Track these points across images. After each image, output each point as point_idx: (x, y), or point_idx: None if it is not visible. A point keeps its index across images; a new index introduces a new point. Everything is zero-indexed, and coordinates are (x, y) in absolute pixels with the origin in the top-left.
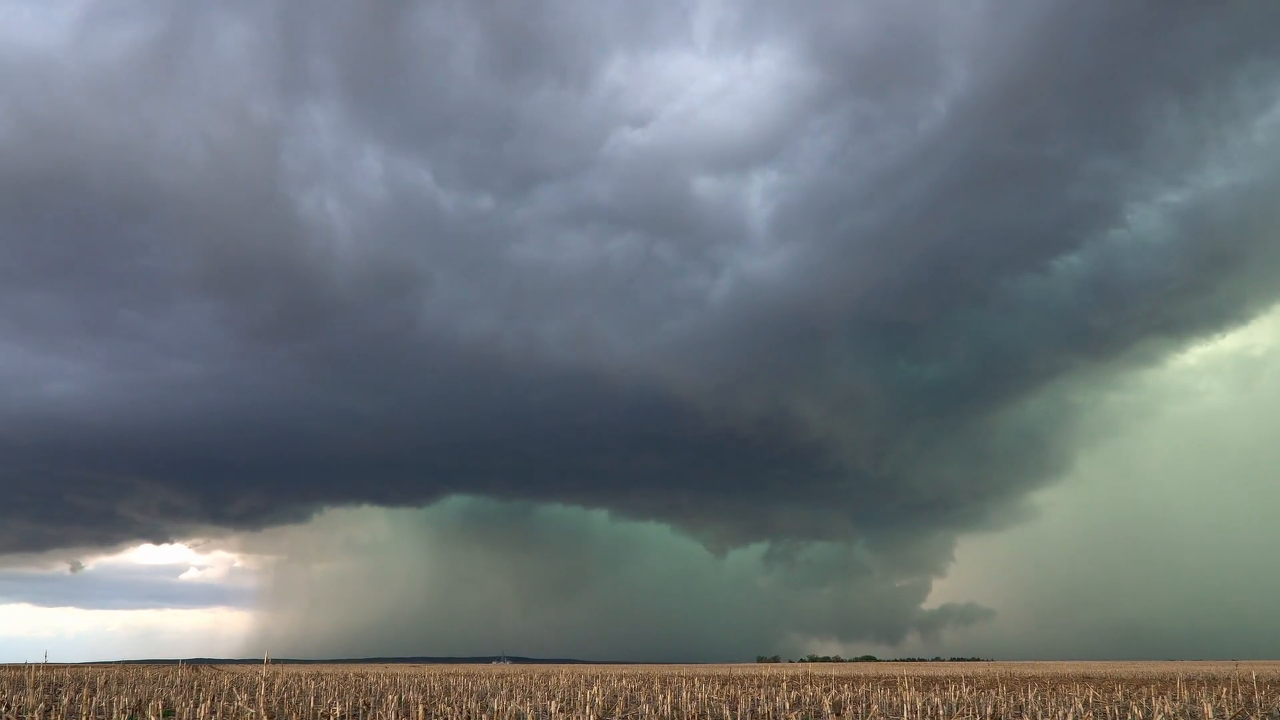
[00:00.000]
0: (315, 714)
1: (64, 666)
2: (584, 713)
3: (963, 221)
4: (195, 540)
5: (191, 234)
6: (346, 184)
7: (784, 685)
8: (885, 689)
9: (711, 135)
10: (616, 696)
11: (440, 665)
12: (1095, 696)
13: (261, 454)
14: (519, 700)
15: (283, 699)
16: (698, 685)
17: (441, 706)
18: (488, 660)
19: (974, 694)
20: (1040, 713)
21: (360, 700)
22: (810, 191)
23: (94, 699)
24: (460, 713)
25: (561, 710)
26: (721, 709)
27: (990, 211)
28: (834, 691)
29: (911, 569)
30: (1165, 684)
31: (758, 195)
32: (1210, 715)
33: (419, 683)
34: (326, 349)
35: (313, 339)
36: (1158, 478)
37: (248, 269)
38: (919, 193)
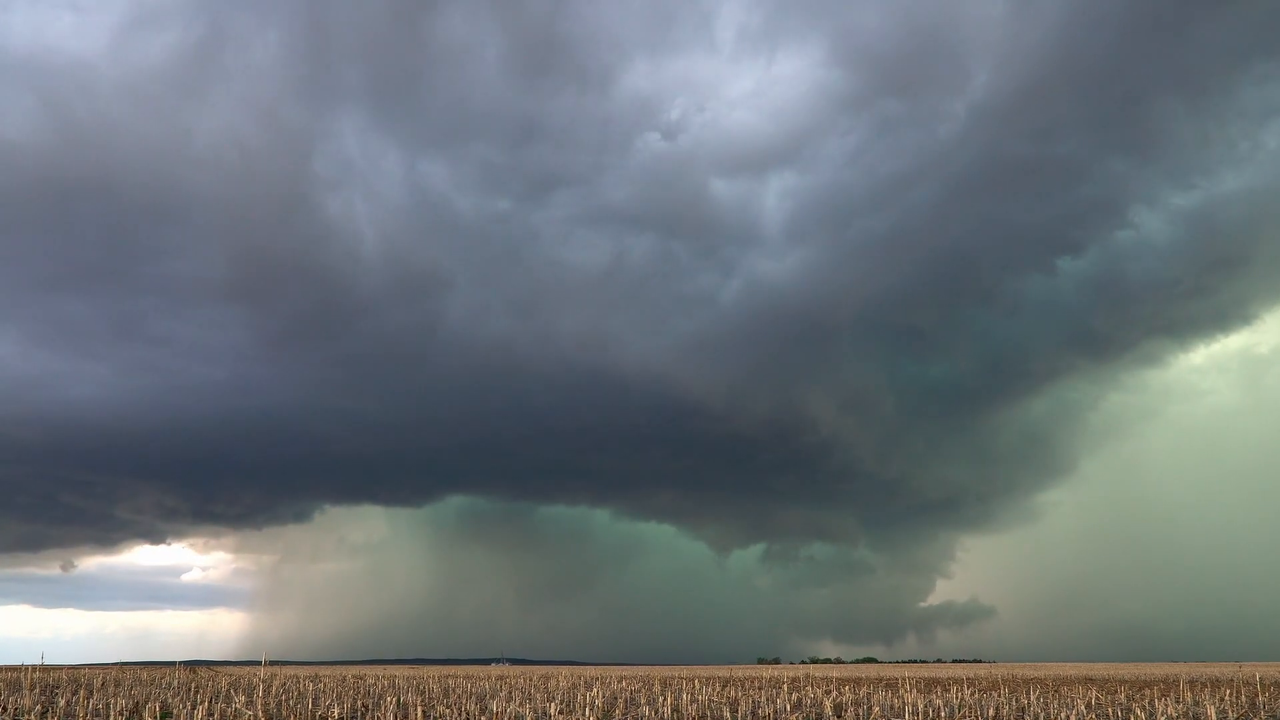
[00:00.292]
0: (313, 716)
1: (60, 668)
2: (583, 714)
3: (976, 223)
4: (195, 540)
5: (219, 238)
6: (369, 188)
7: (785, 687)
8: (887, 691)
9: (731, 138)
10: (616, 698)
11: (439, 667)
12: (1098, 698)
13: (263, 454)
14: (518, 702)
15: (281, 701)
16: (698, 687)
17: (440, 708)
18: (487, 662)
19: (976, 696)
20: (1042, 715)
21: (359, 702)
22: (826, 194)
23: (91, 701)
24: (459, 714)
25: (561, 712)
26: (722, 711)
27: (1003, 213)
28: (835, 693)
29: (915, 570)
30: (1168, 686)
31: (773, 197)
32: (1214, 717)
33: (418, 684)
34: (343, 351)
35: (331, 341)
36: (1161, 479)
37: (272, 273)
38: (933, 195)
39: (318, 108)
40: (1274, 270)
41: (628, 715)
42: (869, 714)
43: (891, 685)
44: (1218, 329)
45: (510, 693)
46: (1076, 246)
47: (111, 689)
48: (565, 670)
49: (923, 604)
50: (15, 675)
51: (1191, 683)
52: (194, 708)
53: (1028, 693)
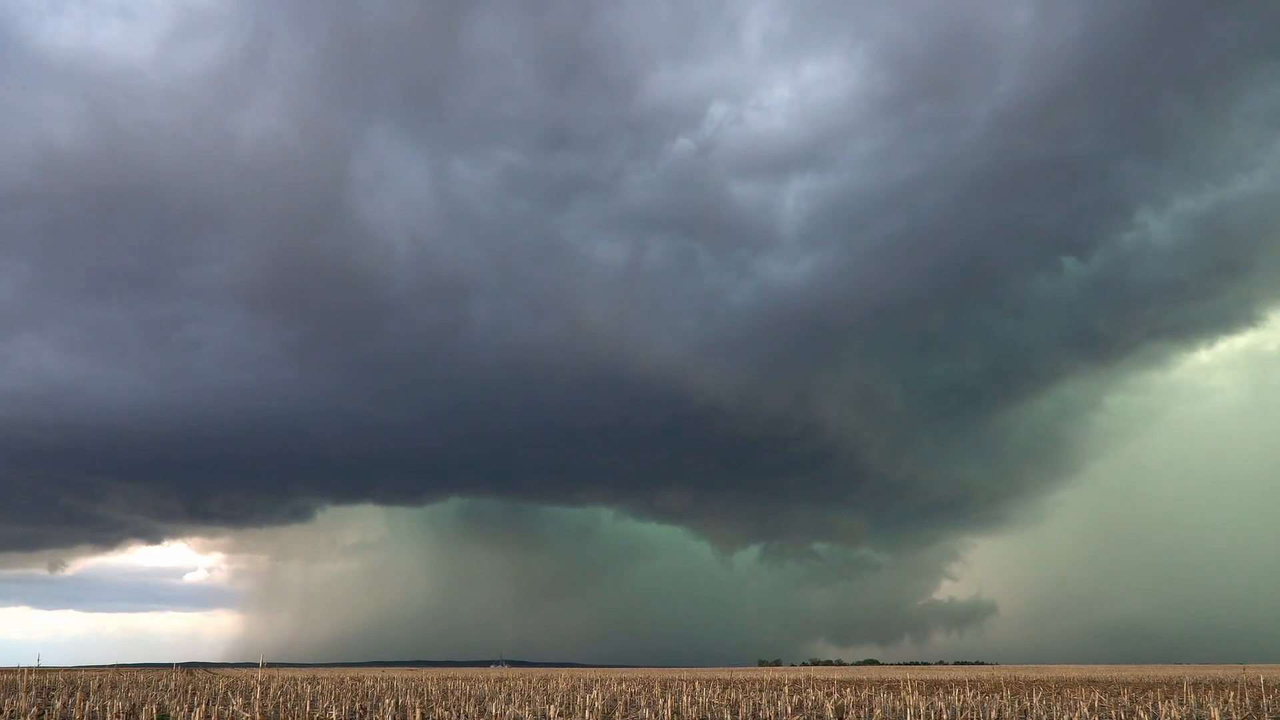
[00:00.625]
0: (311, 718)
1: (57, 670)
2: (583, 717)
3: (994, 225)
4: (193, 541)
5: (254, 243)
6: (398, 193)
7: (786, 689)
8: (888, 693)
9: (756, 143)
10: (616, 700)
11: (438, 669)
12: (1101, 701)
13: (265, 454)
14: (517, 704)
15: (278, 703)
16: (698, 689)
17: (439, 710)
18: (486, 664)
19: (978, 698)
20: (1045, 717)
21: (357, 704)
22: (843, 196)
23: (87, 703)
24: (458, 717)
25: (560, 714)
26: (723, 713)
27: (1019, 215)
28: (836, 696)
29: (919, 571)
30: (1172, 688)
31: (796, 200)
32: (1217, 719)
33: (416, 686)
34: (365, 354)
35: (354, 344)
36: (1166, 480)
37: (302, 277)
38: (953, 197)
39: (351, 114)
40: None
41: (627, 717)
42: (870, 716)
43: (893, 687)
44: (1224, 329)
45: (509, 695)
46: (1084, 247)
47: (108, 691)
48: (565, 672)
49: (927, 606)
50: (11, 677)
51: (1195, 685)
52: (191, 710)
53: (1030, 695)
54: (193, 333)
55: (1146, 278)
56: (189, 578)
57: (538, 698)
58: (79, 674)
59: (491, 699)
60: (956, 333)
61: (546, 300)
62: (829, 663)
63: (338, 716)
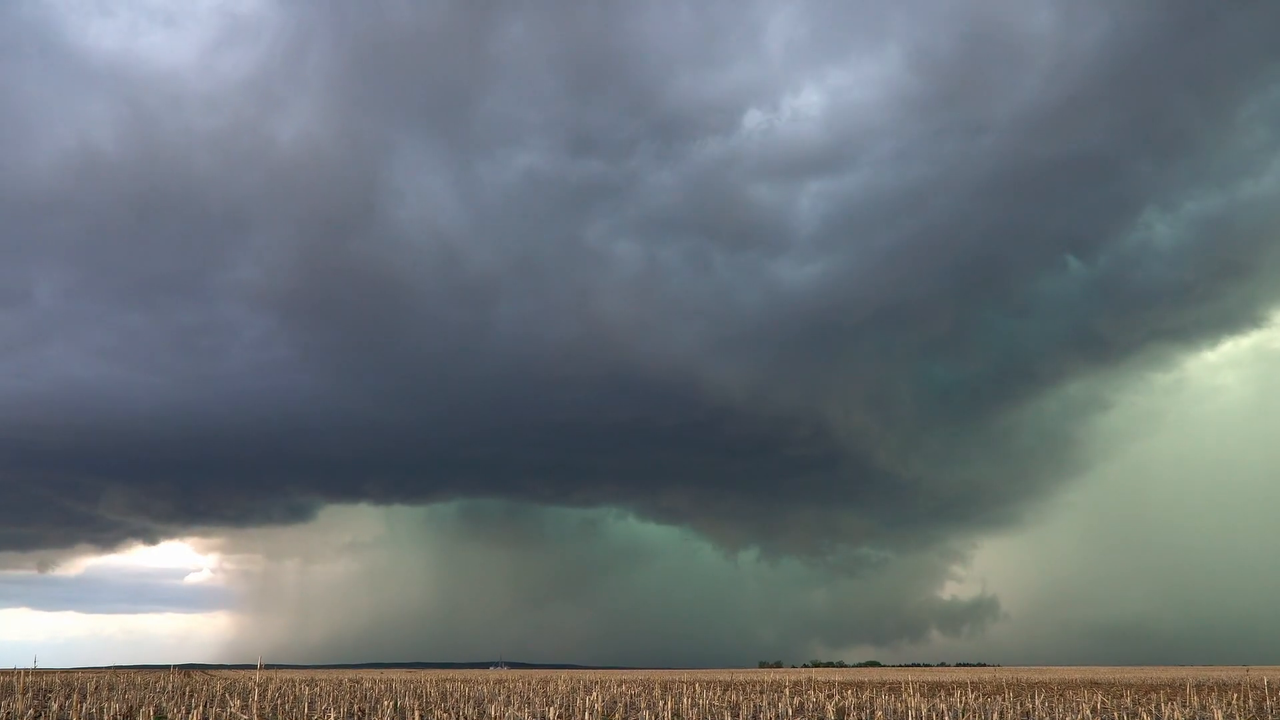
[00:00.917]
0: None
1: (54, 672)
2: (583, 719)
3: (1005, 227)
4: (192, 542)
5: (281, 249)
6: (422, 197)
7: (787, 691)
8: (890, 695)
9: (776, 147)
10: (616, 703)
11: (437, 670)
12: (1103, 703)
13: (267, 454)
14: (517, 706)
15: (276, 705)
16: (699, 691)
17: (438, 712)
18: (485, 666)
19: (980, 700)
20: (1047, 719)
21: (355, 706)
22: (864, 200)
23: (84, 705)
24: (457, 719)
25: (560, 716)
26: (723, 715)
27: (1033, 217)
28: (837, 698)
29: (921, 573)
30: (1175, 690)
31: (811, 201)
32: None
33: (415, 688)
34: (379, 356)
35: (374, 347)
36: (1170, 481)
37: (328, 281)
38: (964, 201)
39: (381, 119)
40: None
41: (627, 719)
42: (871, 718)
43: (894, 689)
44: (1230, 330)
45: (509, 697)
46: (1100, 248)
47: (105, 693)
48: (564, 674)
49: (929, 607)
50: (8, 679)
51: (1198, 686)
52: (189, 712)
53: (1032, 697)
54: (218, 337)
55: (1151, 278)
56: (188, 579)
57: (537, 700)
58: (76, 675)
59: (491, 701)
60: (966, 334)
61: (564, 302)
62: (830, 664)
63: (335, 718)
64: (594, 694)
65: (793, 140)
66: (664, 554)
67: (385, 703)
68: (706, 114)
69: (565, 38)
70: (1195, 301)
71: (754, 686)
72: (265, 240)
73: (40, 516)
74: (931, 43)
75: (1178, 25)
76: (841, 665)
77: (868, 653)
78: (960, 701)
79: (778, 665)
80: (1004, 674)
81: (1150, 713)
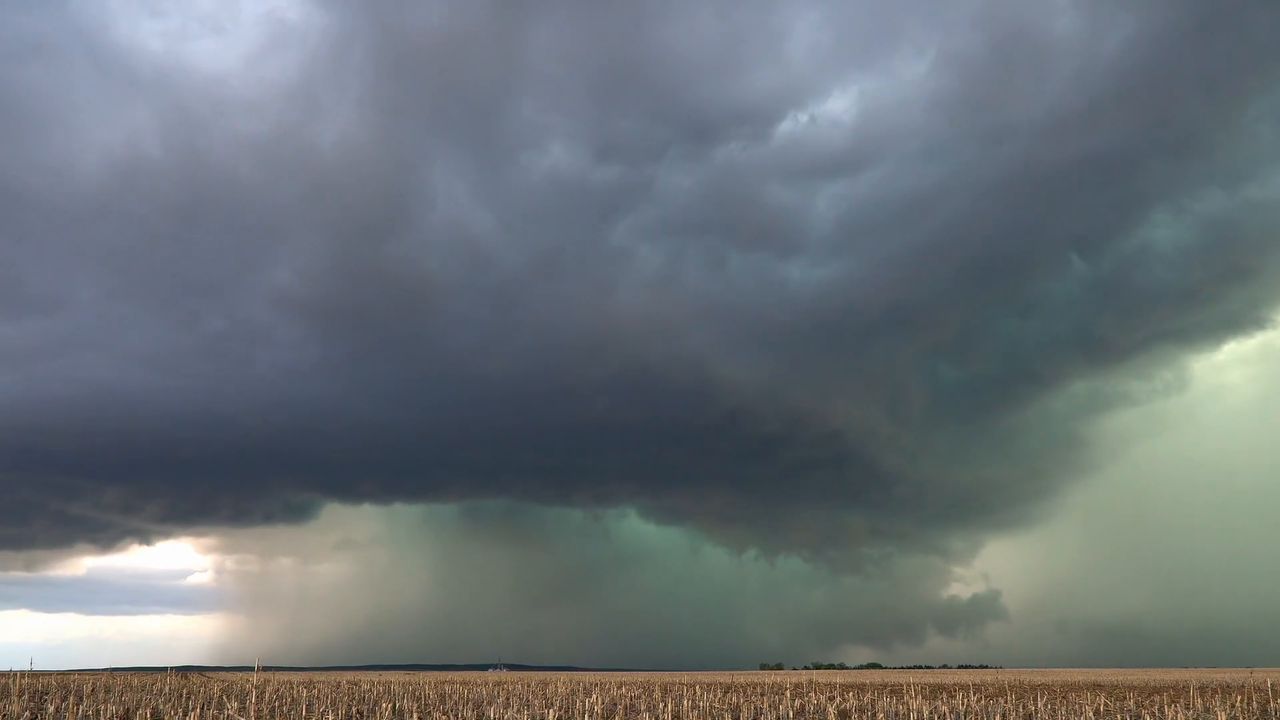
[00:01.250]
0: None
1: (50, 674)
2: None
3: (1018, 229)
4: (191, 543)
5: (314, 254)
6: (449, 201)
7: (788, 693)
8: (891, 697)
9: (794, 150)
10: (616, 704)
11: (435, 672)
12: (1106, 705)
13: (269, 455)
14: (516, 708)
15: (274, 707)
16: (699, 693)
17: (437, 715)
18: (484, 667)
19: (982, 702)
20: None
21: (353, 708)
22: (876, 203)
23: (80, 707)
24: None
25: (559, 718)
26: (724, 717)
27: (1042, 219)
28: (839, 700)
29: (923, 574)
30: (1178, 692)
31: (827, 203)
32: None
33: (413, 690)
34: (408, 366)
35: (396, 352)
36: (1173, 482)
37: (361, 288)
38: (981, 202)
39: (413, 125)
40: None
41: None
42: None
43: (896, 691)
44: (1234, 331)
45: (508, 699)
46: (1112, 249)
47: (101, 695)
48: (564, 676)
49: (932, 609)
50: (4, 681)
51: (1202, 688)
52: (186, 714)
53: (1035, 699)
54: (245, 342)
55: (1155, 279)
56: (188, 580)
57: (536, 702)
58: (72, 677)
59: (490, 703)
60: (975, 335)
61: (582, 304)
62: (831, 666)
63: None
64: (594, 696)
65: (812, 144)
66: (664, 555)
67: (384, 705)
68: (729, 119)
69: (593, 44)
70: (1201, 303)
71: (755, 689)
72: (299, 245)
73: (36, 517)
74: (953, 48)
75: (1192, 27)
76: (843, 667)
77: (868, 655)
78: (962, 704)
79: (778, 667)
80: (1006, 676)
81: (1153, 715)
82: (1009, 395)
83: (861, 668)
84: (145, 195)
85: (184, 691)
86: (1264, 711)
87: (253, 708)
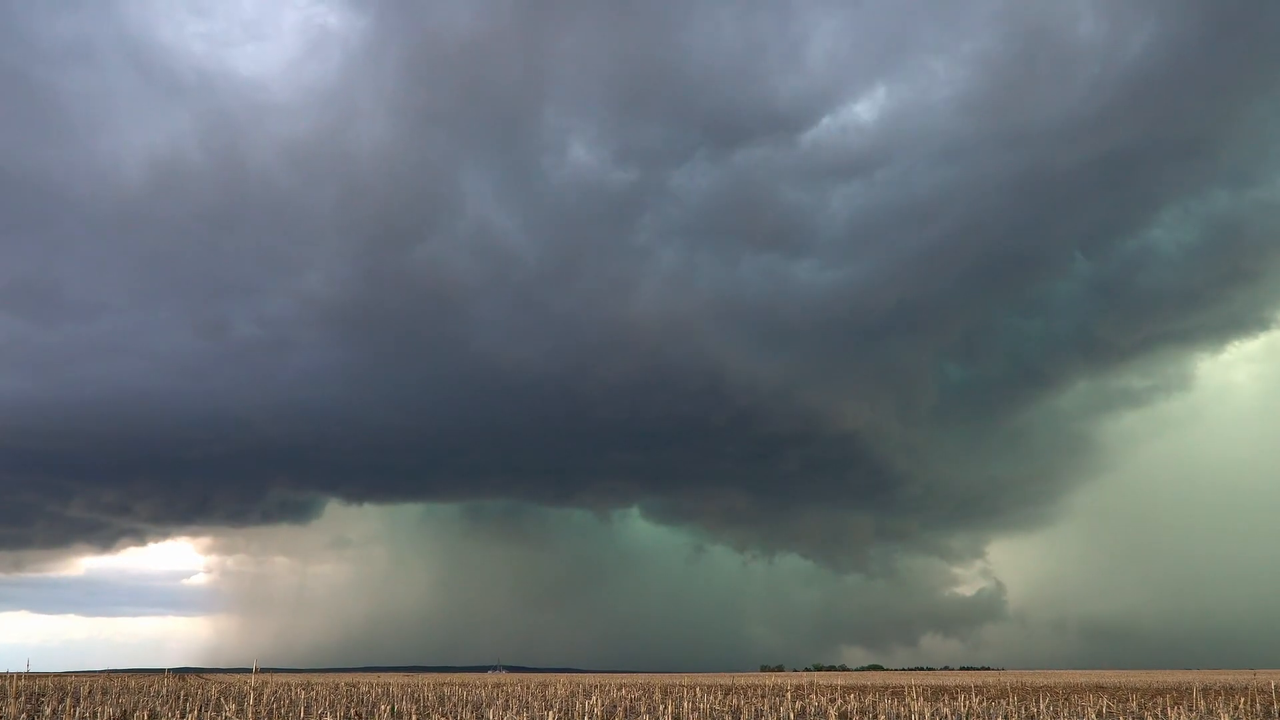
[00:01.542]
0: None
1: (47, 676)
2: None
3: (1027, 231)
4: (191, 543)
5: (339, 259)
6: (472, 200)
7: (788, 695)
8: (893, 699)
9: (808, 155)
10: (616, 706)
11: (434, 674)
12: (1109, 707)
13: (269, 455)
14: (515, 710)
15: (272, 709)
16: (699, 695)
17: (436, 717)
18: (484, 669)
19: (984, 704)
20: None
21: (352, 710)
22: (885, 206)
23: (77, 709)
24: None
25: None
26: (724, 719)
27: (1049, 221)
28: (840, 701)
29: (925, 575)
30: (1181, 694)
31: (839, 204)
32: None
33: (412, 692)
34: (426, 369)
35: (415, 355)
36: (1176, 484)
37: (387, 291)
38: (986, 204)
39: (439, 132)
40: None
41: None
42: None
43: (898, 693)
44: (1238, 332)
45: (507, 701)
46: (1123, 250)
47: (99, 697)
48: (563, 678)
49: (933, 610)
50: (1, 683)
51: (1204, 690)
52: (183, 716)
53: (1037, 701)
54: (271, 347)
55: (1160, 280)
56: (188, 581)
57: (536, 704)
58: (70, 679)
59: (489, 705)
60: (980, 336)
61: (598, 303)
62: (832, 668)
63: None
64: (593, 698)
65: (828, 148)
66: (666, 556)
67: (382, 707)
68: (751, 123)
69: (617, 48)
70: (1206, 303)
71: (755, 690)
72: (330, 250)
73: (32, 517)
74: (974, 51)
75: (1203, 29)
76: (844, 669)
77: (870, 656)
78: (964, 705)
79: (779, 669)
80: (1008, 678)
81: (1156, 717)
82: (1014, 395)
83: (863, 669)
84: (183, 199)
85: (181, 693)
86: (1267, 713)
87: (251, 709)
